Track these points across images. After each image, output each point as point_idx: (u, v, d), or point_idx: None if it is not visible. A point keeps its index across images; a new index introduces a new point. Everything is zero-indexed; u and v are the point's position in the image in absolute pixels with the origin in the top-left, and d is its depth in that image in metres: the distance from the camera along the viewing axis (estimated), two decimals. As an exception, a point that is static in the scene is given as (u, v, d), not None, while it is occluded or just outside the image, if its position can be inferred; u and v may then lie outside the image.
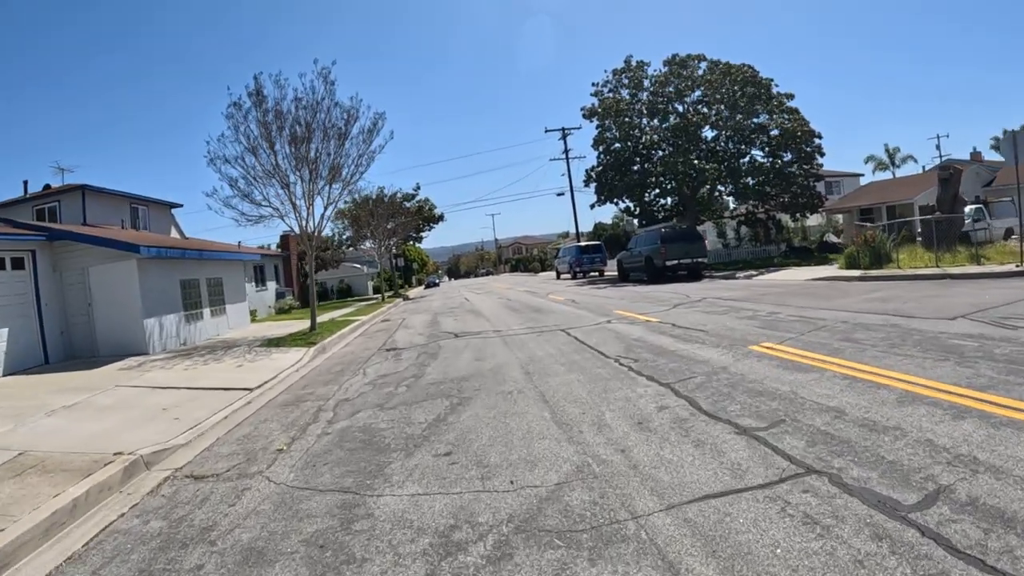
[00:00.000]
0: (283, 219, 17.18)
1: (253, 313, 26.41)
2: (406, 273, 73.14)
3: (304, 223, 17.10)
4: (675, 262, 24.26)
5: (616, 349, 8.77)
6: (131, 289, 15.10)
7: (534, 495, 3.86)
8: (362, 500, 4.18)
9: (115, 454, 5.91)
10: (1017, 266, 15.08)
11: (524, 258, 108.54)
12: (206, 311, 18.69)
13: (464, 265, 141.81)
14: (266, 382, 10.00)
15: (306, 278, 43.03)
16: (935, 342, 7.04)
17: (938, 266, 16.53)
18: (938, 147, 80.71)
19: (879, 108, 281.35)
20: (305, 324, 17.98)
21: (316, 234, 17.98)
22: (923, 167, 55.95)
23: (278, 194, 16.74)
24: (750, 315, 10.97)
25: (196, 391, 9.49)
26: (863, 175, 55.81)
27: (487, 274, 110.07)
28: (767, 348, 7.58)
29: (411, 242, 60.34)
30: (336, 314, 25.76)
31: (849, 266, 18.91)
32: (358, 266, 56.64)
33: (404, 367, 9.73)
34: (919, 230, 22.00)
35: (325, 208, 17.80)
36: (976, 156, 46.71)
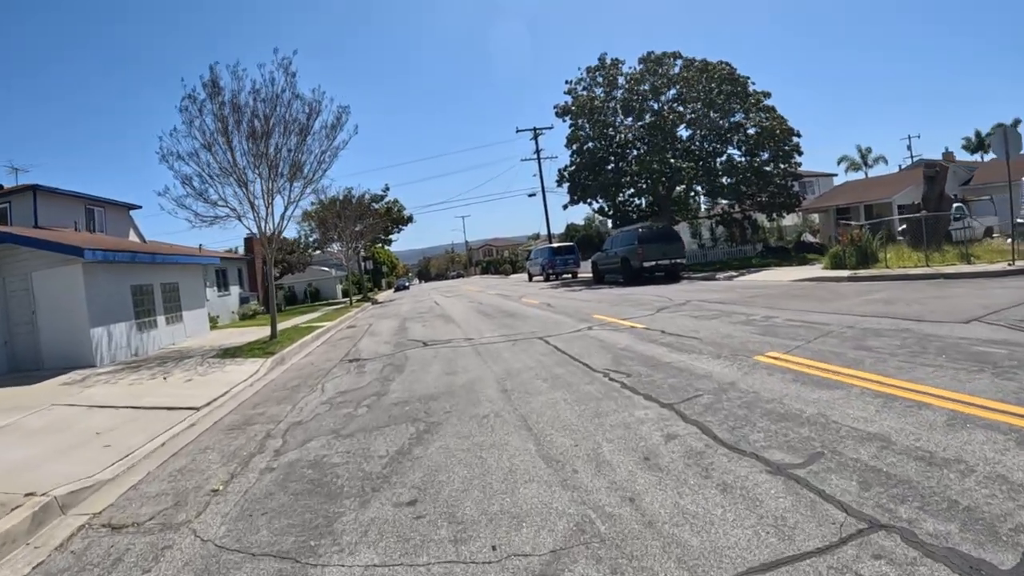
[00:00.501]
0: (240, 220, 16.13)
1: (214, 320, 25.19)
2: (375, 276, 72.09)
3: (263, 224, 16.05)
4: (652, 263, 23.56)
5: (603, 361, 7.92)
6: (76, 296, 13.99)
7: (524, 570, 2.97)
8: (303, 573, 3.26)
9: (26, 495, 5.05)
10: (1009, 264, 14.61)
11: (495, 260, 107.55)
12: (160, 319, 17.52)
13: (434, 268, 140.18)
14: (215, 399, 9.05)
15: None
16: (959, 349, 6.33)
17: (928, 265, 16.00)
18: (909, 147, 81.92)
19: (850, 109, 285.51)
20: (267, 331, 16.93)
21: (276, 235, 16.94)
22: (899, 166, 56.55)
23: (236, 193, 15.70)
24: (744, 320, 10.22)
25: (138, 411, 8.53)
26: (836, 175, 56.15)
27: (457, 276, 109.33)
28: (775, 359, 6.78)
29: (380, 244, 59.14)
30: (301, 320, 24.66)
31: (835, 266, 18.32)
32: (326, 269, 55.75)
33: (367, 382, 8.80)
34: (899, 228, 21.58)
35: (286, 208, 16.74)
36: (948, 156, 47.15)
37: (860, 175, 55.34)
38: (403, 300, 36.62)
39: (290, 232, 51.74)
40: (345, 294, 47.01)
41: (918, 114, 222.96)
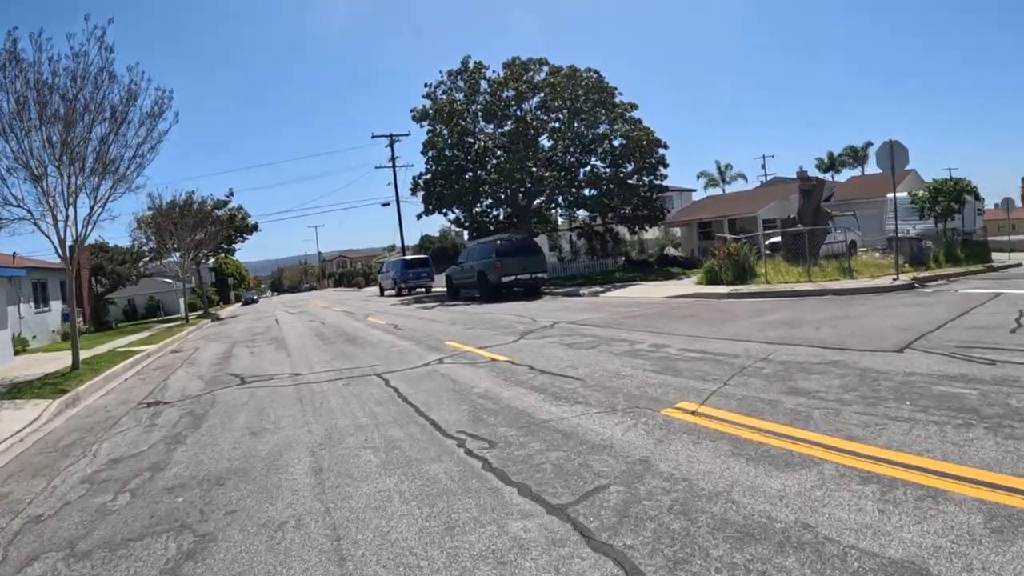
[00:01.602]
0: (37, 224, 13.02)
1: (23, 343, 20.91)
2: (222, 289, 70.09)
3: (63, 229, 12.96)
4: (512, 278, 22.20)
5: (457, 416, 6.04)
6: None
7: None
8: None
9: None
10: (894, 279, 14.40)
11: (348, 272, 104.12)
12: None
13: (288, 280, 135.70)
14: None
15: (100, 297, 37.21)
16: (919, 391, 5.26)
17: (812, 280, 15.54)
18: (764, 167, 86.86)
19: (705, 129, 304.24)
20: (82, 355, 13.78)
21: (79, 242, 13.87)
22: (760, 180, 59.35)
23: (32, 191, 12.61)
24: (630, 350, 8.77)
25: None
26: (695, 190, 57.98)
27: (310, 289, 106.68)
28: (692, 414, 5.22)
29: (223, 254, 54.46)
30: (123, 342, 21.09)
31: (710, 281, 17.65)
32: (169, 281, 51.47)
33: (150, 443, 6.46)
34: (766, 243, 21.44)
35: (92, 209, 13.63)
36: (802, 174, 49.94)
37: (718, 191, 57.52)
38: (245, 316, 34.63)
39: (121, 240, 48.71)
40: (193, 308, 44.99)
41: (773, 136, 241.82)
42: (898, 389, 5.30)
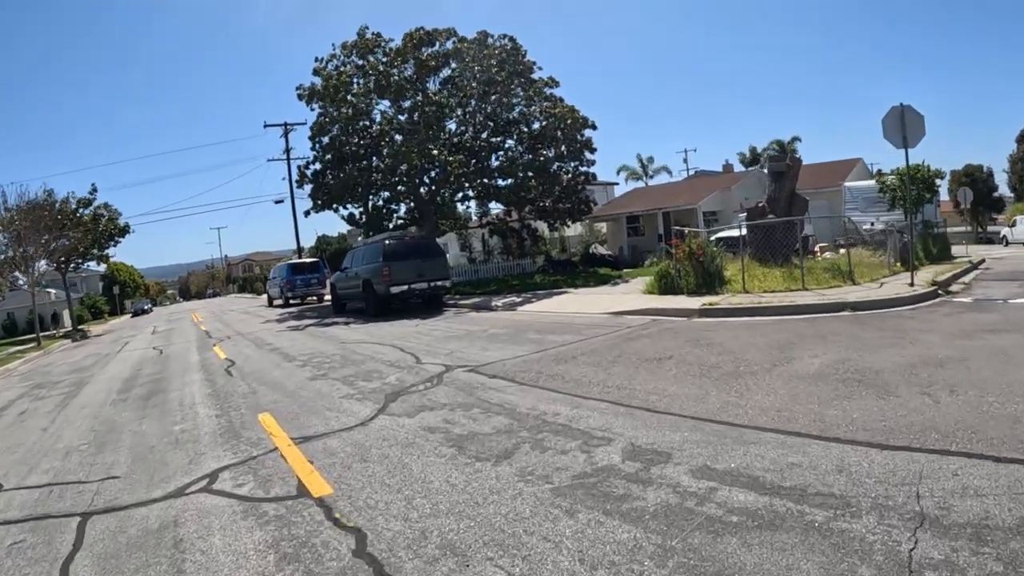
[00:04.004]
0: None
1: None
2: (111, 298, 64.49)
3: None
4: (405, 288, 17.45)
5: None
6: None
7: None
8: None
9: None
10: (910, 285, 10.67)
11: (250, 277, 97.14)
12: None
13: (195, 286, 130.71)
14: None
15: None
16: None
17: (806, 287, 11.55)
18: (685, 160, 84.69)
19: (619, 125, 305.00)
20: None
21: None
22: (683, 173, 56.60)
23: None
24: (587, 471, 4.22)
25: None
26: (618, 184, 54.19)
27: (214, 295, 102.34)
28: None
29: (97, 261, 47.72)
30: None
31: (665, 289, 13.40)
32: (51, 291, 47.29)
33: None
34: (714, 238, 17.48)
35: None
36: (728, 168, 47.75)
37: (640, 184, 53.94)
38: (113, 334, 30.90)
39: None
40: (81, 319, 42.64)
41: (691, 132, 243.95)
42: None
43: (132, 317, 56.18)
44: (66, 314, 48.93)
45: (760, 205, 15.36)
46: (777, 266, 13.65)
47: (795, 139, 55.42)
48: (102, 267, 54.02)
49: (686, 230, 14.82)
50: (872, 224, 22.49)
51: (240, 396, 8.27)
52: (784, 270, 13.42)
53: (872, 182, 25.55)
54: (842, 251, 17.75)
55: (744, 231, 14.16)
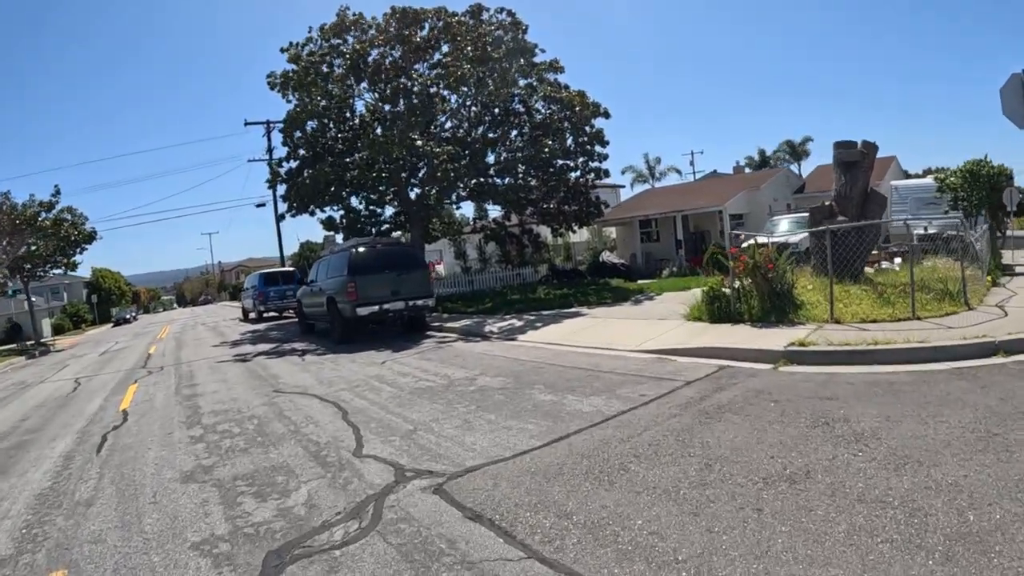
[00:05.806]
0: None
1: None
2: (98, 306, 64.02)
3: None
4: (375, 308, 14.13)
5: None
6: None
7: None
8: None
9: None
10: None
11: (241, 284, 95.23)
12: None
13: (190, 292, 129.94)
14: None
15: None
16: None
17: (917, 317, 8.40)
18: (692, 163, 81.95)
19: (620, 124, 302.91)
20: None
21: None
22: (695, 175, 53.72)
23: None
24: None
25: None
26: (624, 186, 51.17)
27: (206, 302, 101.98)
28: None
29: (63, 269, 45.12)
30: None
31: (717, 316, 10.08)
32: (35, 299, 44.42)
33: None
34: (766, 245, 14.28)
35: None
36: (739, 170, 45.06)
37: (647, 187, 50.95)
38: (76, 348, 29.35)
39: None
40: (59, 330, 42.83)
41: (698, 133, 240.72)
42: None
43: (113, 327, 54.37)
44: (45, 323, 47.86)
45: (827, 204, 12.15)
46: (851, 282, 10.55)
47: (807, 139, 52.57)
48: (87, 273, 52.35)
49: (741, 235, 11.60)
50: (925, 228, 19.66)
51: (49, 523, 5.01)
52: (862, 288, 10.31)
53: (927, 180, 22.66)
54: (897, 260, 14.71)
55: (805, 238, 11.03)
